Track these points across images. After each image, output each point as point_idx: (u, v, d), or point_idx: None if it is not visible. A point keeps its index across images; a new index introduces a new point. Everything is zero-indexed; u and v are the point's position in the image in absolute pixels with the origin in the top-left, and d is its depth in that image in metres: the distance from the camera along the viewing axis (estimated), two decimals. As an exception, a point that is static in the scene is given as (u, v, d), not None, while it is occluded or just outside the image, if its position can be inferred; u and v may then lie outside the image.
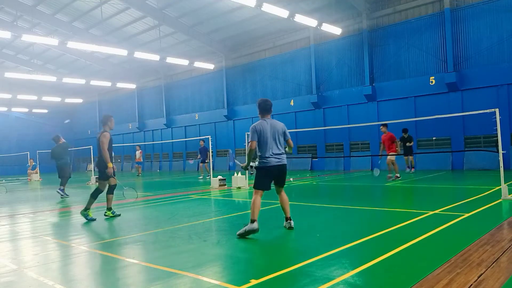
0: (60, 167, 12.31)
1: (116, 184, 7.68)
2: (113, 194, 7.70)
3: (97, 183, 7.79)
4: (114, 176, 7.63)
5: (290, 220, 5.91)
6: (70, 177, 12.61)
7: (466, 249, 4.20)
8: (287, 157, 6.08)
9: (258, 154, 5.90)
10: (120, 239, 5.74)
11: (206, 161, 18.17)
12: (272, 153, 5.79)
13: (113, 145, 7.69)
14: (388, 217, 6.51)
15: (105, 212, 7.68)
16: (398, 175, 12.80)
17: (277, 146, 5.87)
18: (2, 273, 4.13)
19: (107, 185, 7.62)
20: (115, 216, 7.67)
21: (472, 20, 17.19)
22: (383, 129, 12.90)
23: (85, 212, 7.37)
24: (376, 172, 13.56)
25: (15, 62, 32.89)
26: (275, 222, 6.42)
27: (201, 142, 18.78)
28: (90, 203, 7.45)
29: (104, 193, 7.66)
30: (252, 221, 5.51)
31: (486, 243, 4.40)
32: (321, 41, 22.16)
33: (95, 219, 7.37)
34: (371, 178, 15.49)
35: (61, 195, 11.87)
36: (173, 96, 31.99)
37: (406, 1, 19.02)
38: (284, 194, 6.01)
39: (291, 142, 6.11)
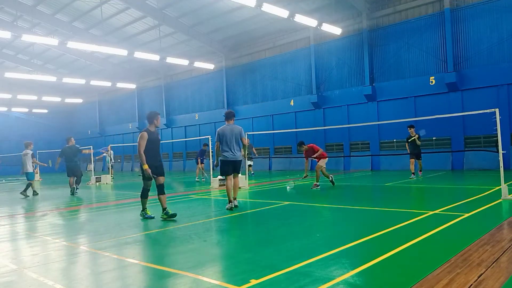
0: (69, 168, 13.28)
1: (163, 183, 7.28)
2: (164, 193, 7.28)
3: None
4: (163, 174, 7.31)
5: (235, 200, 7.95)
6: (82, 175, 13.66)
7: (466, 249, 4.20)
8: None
9: (221, 151, 7.83)
10: (120, 239, 5.74)
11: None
12: (230, 150, 7.73)
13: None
14: (388, 217, 6.50)
15: (161, 215, 7.17)
16: (317, 183, 11.62)
17: (235, 145, 7.75)
18: (2, 273, 4.13)
19: (151, 183, 7.31)
20: (171, 216, 7.09)
21: (472, 20, 17.18)
22: (302, 148, 11.90)
23: (143, 212, 7.36)
24: (291, 185, 12.18)
25: (15, 62, 32.88)
26: (275, 222, 6.41)
27: (205, 146, 17.37)
28: (143, 203, 7.37)
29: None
30: (229, 201, 7.80)
31: (486, 243, 4.40)
32: (321, 41, 22.16)
33: (153, 217, 7.21)
34: (371, 178, 15.51)
35: (76, 189, 13.08)
36: (173, 96, 31.99)
37: (406, 1, 19.01)
38: (237, 180, 8.05)
39: (244, 140, 7.93)
